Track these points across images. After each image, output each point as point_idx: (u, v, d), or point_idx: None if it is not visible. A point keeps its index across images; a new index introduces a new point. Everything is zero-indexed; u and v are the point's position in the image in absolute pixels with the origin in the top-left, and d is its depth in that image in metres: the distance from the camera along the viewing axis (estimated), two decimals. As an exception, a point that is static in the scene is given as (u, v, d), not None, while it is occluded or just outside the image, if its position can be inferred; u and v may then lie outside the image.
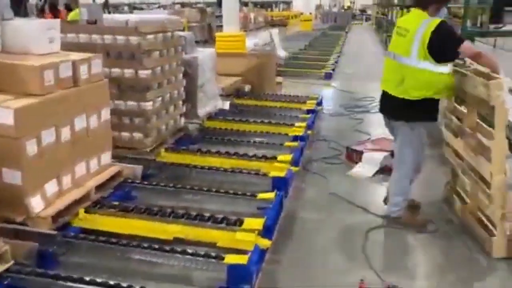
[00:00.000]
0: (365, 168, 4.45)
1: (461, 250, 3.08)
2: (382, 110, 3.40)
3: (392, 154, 4.59)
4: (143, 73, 3.99)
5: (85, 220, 3.07)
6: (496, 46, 9.11)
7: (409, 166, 3.30)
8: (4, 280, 2.42)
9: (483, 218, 3.14)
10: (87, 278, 2.44)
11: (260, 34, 10.61)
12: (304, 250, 3.08)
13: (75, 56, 3.28)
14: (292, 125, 5.33)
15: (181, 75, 4.70)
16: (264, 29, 14.99)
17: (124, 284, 2.38)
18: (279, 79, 8.44)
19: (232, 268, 2.52)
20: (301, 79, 9.12)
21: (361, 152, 4.62)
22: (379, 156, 4.48)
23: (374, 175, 4.32)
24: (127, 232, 2.93)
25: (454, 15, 8.46)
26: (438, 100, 3.17)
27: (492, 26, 5.65)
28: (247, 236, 2.81)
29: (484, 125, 3.00)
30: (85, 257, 2.83)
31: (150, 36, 4.05)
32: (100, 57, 3.45)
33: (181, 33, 4.87)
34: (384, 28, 16.91)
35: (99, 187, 3.37)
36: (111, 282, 2.40)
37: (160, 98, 4.24)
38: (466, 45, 2.97)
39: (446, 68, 3.04)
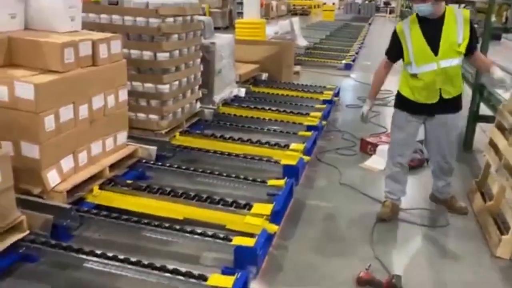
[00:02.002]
0: (378, 161, 4.43)
1: (468, 245, 3.07)
2: None
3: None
4: (162, 56, 4.04)
5: (99, 196, 3.15)
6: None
7: (392, 147, 3.40)
8: (19, 248, 2.52)
9: (498, 220, 3.13)
10: (98, 252, 2.51)
11: (281, 22, 10.52)
12: (311, 237, 3.11)
13: (95, 35, 3.33)
14: (307, 114, 5.33)
15: (198, 60, 4.74)
16: (286, 18, 14.88)
17: (133, 259, 2.45)
18: (297, 68, 8.41)
19: (239, 249, 2.57)
20: (320, 69, 9.07)
21: (376, 145, 4.61)
22: (393, 149, 4.45)
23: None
24: (139, 210, 3.01)
25: (479, 11, 8.29)
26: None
27: (517, 23, 5.53)
28: (255, 220, 2.86)
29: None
30: (97, 232, 2.92)
31: (169, 19, 4.08)
32: (119, 37, 3.49)
33: (201, 18, 4.89)
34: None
35: (114, 166, 3.45)
36: (121, 257, 2.47)
37: (177, 82, 4.29)
38: None
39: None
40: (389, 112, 6.24)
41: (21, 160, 2.86)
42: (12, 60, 3.02)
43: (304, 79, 7.94)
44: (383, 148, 4.52)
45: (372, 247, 2.98)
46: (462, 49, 3.02)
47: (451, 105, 3.16)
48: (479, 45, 3.62)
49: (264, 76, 7.06)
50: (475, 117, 4.67)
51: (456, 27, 3.00)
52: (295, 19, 10.96)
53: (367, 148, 4.66)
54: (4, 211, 2.44)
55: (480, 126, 4.82)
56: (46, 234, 2.65)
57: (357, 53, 10.83)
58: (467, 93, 4.34)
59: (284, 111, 5.51)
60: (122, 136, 3.65)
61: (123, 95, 3.60)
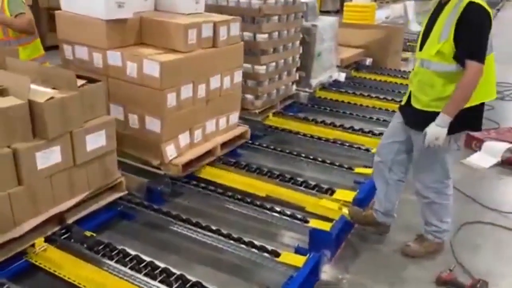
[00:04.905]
0: (483, 158, 4.07)
1: None
2: None
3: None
4: (260, 37, 4.11)
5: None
6: None
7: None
8: (117, 206, 2.84)
9: None
10: (184, 217, 2.71)
11: (393, 6, 9.99)
12: (395, 230, 2.98)
13: (217, 17, 3.39)
14: (409, 103, 5.05)
15: (298, 42, 4.73)
16: (400, 1, 14.05)
17: (213, 227, 2.61)
18: (406, 54, 7.96)
19: (314, 232, 2.58)
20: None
21: (482, 140, 4.23)
22: (502, 147, 4.05)
23: (491, 166, 3.94)
24: (225, 183, 3.17)
25: None
26: None
27: None
28: (334, 205, 2.83)
29: None
30: (186, 200, 3.14)
31: (271, 1, 4.12)
32: (239, 20, 3.50)
33: (304, 0, 4.86)
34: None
35: (223, 144, 3.51)
36: (203, 224, 2.64)
37: (274, 63, 4.34)
38: None
39: None
40: (505, 107, 5.66)
41: (145, 133, 3.06)
42: (142, 39, 3.22)
43: (412, 66, 7.48)
44: (490, 145, 4.15)
45: (452, 250, 2.76)
46: (445, 50, 2.24)
47: (417, 118, 2.43)
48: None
49: (368, 61, 6.80)
50: None
51: (445, 20, 2.26)
52: (410, 3, 10.31)
53: (472, 144, 4.29)
54: (107, 172, 2.74)
55: None
56: (141, 196, 2.93)
57: (477, 41, 9.84)
58: None
59: (384, 98, 5.29)
60: (234, 117, 3.70)
61: (238, 77, 3.63)
